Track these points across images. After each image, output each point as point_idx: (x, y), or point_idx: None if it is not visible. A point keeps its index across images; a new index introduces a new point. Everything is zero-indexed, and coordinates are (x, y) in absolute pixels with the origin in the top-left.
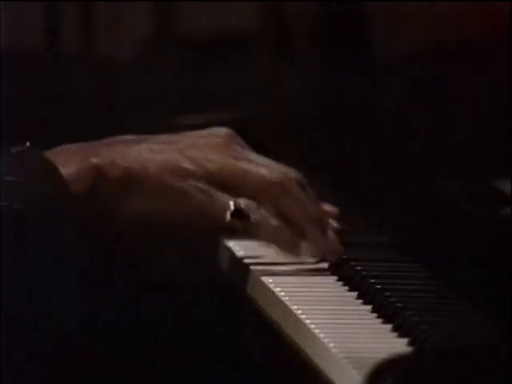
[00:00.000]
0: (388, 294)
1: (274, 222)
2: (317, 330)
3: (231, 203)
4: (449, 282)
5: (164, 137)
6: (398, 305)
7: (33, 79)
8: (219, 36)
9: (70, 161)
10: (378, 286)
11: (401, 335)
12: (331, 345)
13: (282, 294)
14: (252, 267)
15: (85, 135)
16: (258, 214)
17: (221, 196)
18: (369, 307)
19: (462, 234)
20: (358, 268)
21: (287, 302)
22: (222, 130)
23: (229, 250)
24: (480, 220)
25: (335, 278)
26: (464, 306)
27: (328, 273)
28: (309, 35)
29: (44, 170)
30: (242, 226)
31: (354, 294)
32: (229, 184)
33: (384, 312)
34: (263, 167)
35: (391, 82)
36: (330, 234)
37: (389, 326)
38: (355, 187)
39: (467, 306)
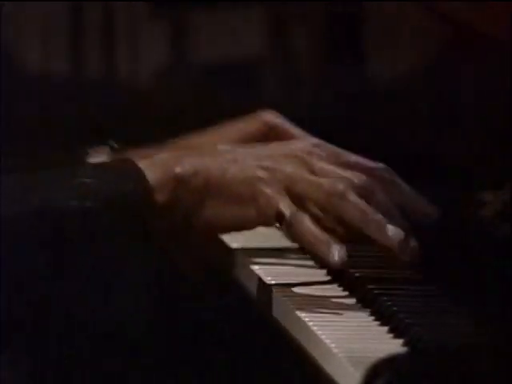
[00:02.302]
0: (385, 298)
1: (312, 228)
2: (319, 332)
3: (278, 206)
4: (441, 286)
5: (250, 147)
6: (394, 308)
7: (57, 103)
8: (232, 61)
9: (156, 169)
10: (376, 291)
11: (396, 336)
12: (332, 345)
13: (288, 300)
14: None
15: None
16: (298, 219)
17: (278, 200)
18: (367, 311)
19: (454, 239)
20: (357, 275)
21: (293, 307)
22: (303, 142)
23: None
24: (470, 225)
25: (336, 284)
26: (455, 309)
27: (330, 280)
28: (313, 58)
29: (129, 174)
30: (282, 229)
31: (354, 299)
32: (294, 193)
33: (381, 315)
34: (326, 179)
35: (390, 95)
36: (392, 229)
37: (385, 328)
38: None
39: (458, 308)
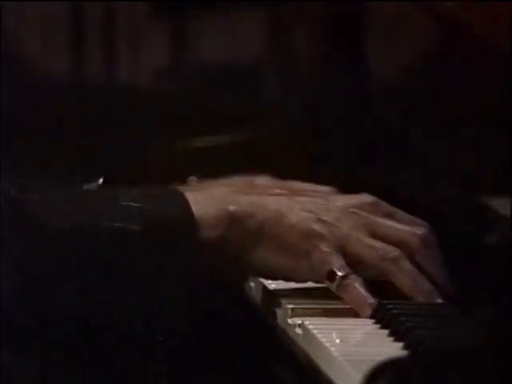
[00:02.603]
0: (385, 302)
1: (361, 291)
2: (319, 335)
3: (331, 266)
4: (441, 290)
5: (309, 196)
6: (394, 312)
7: (56, 104)
8: (231, 62)
9: (208, 204)
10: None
11: (396, 339)
12: (333, 348)
13: (288, 304)
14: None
15: (106, 158)
16: (349, 282)
17: (333, 259)
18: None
19: (454, 242)
20: None
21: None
22: (362, 198)
23: None
24: (470, 232)
25: None
26: (454, 313)
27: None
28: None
29: (178, 205)
30: (331, 287)
31: None
32: (348, 253)
33: (381, 318)
34: (379, 242)
35: (391, 95)
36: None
37: (386, 331)
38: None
39: (457, 312)
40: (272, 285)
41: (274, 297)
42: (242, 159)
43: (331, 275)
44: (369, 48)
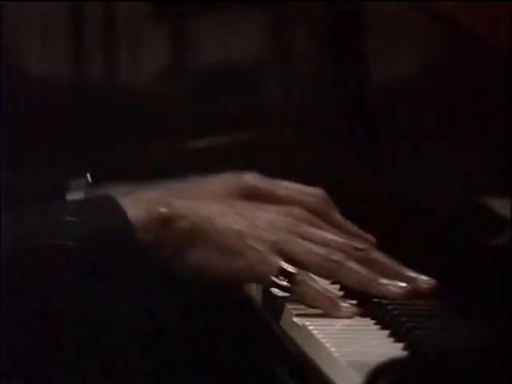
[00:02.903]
0: (385, 302)
1: (316, 286)
2: (320, 336)
3: (280, 264)
4: (441, 291)
5: (241, 205)
6: (395, 312)
7: (56, 104)
8: (231, 63)
9: (139, 208)
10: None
11: (397, 340)
12: (333, 349)
13: (290, 304)
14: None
15: (105, 158)
16: (302, 276)
17: (272, 257)
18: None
19: (456, 246)
20: None
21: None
22: (299, 211)
23: None
24: (470, 233)
25: (336, 289)
26: (455, 313)
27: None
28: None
29: (111, 213)
30: (287, 286)
31: (354, 303)
32: (287, 257)
33: (381, 319)
34: (321, 247)
35: (391, 95)
36: (392, 289)
37: (386, 332)
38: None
39: (458, 312)
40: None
41: (276, 298)
42: (242, 159)
43: (281, 272)
44: (369, 48)
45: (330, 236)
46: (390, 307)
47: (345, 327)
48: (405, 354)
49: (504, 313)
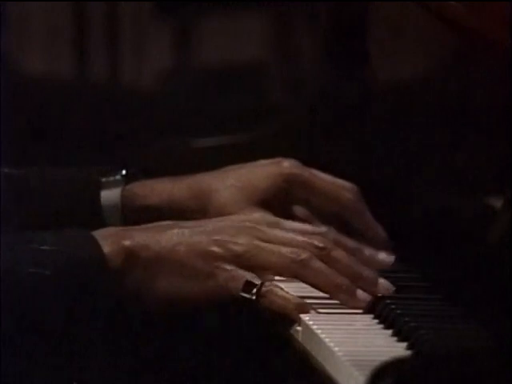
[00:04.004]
0: (388, 301)
1: (281, 293)
2: (323, 335)
3: (246, 278)
4: (444, 291)
5: (195, 222)
6: (398, 311)
7: (59, 104)
8: (233, 63)
9: (106, 241)
10: (379, 295)
11: (400, 340)
12: (336, 348)
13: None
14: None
15: (110, 157)
16: (267, 287)
17: (239, 272)
18: (371, 314)
19: (458, 246)
20: None
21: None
22: (253, 216)
23: None
24: (474, 233)
25: None
26: (458, 313)
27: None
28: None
29: (84, 243)
30: (252, 299)
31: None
32: (254, 265)
33: (385, 318)
34: (284, 246)
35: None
36: (360, 293)
37: (389, 331)
38: None
39: (461, 312)
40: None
41: None
42: (242, 159)
43: (247, 286)
44: (371, 48)
45: (291, 235)
46: (393, 306)
47: (348, 326)
48: (408, 353)
49: (505, 311)
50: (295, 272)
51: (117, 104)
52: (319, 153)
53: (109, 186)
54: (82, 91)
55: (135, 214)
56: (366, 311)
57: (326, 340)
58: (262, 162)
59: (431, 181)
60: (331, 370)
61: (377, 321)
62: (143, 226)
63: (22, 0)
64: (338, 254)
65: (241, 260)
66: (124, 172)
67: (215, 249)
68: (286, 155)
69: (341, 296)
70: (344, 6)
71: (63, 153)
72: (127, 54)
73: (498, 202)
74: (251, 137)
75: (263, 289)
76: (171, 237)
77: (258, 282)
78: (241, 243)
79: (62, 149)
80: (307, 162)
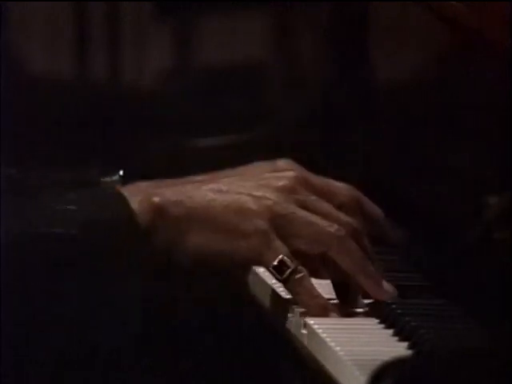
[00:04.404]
0: (389, 301)
1: (308, 284)
2: (324, 335)
3: (280, 256)
4: (444, 291)
5: (232, 177)
6: (399, 311)
7: (59, 104)
8: (235, 65)
9: (135, 198)
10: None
11: (401, 339)
12: (338, 348)
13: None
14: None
15: (110, 157)
16: (300, 276)
17: (276, 243)
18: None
19: (458, 245)
20: None
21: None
22: (291, 172)
23: None
24: (470, 232)
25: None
26: (458, 313)
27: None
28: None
29: (112, 201)
30: (281, 278)
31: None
32: (289, 231)
33: (386, 318)
34: (322, 219)
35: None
36: (385, 284)
37: (390, 331)
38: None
39: (462, 312)
40: (280, 288)
41: (282, 298)
42: (242, 160)
43: (280, 265)
44: (372, 49)
45: (330, 208)
46: (394, 306)
47: (349, 326)
48: (409, 353)
49: (505, 311)
50: (329, 246)
51: (117, 104)
52: (319, 153)
53: (106, 186)
54: (82, 91)
55: None
56: (368, 313)
57: (328, 340)
58: (258, 163)
59: (431, 181)
60: (332, 369)
61: (378, 321)
62: (175, 180)
63: (23, 0)
64: (366, 242)
65: (277, 222)
66: (121, 172)
67: (252, 205)
68: (284, 155)
69: (368, 281)
70: (344, 6)
71: (63, 153)
72: (127, 53)
73: (497, 202)
74: (251, 137)
75: (295, 276)
76: (206, 193)
77: (292, 265)
78: (281, 205)
79: (61, 149)
80: (306, 162)
